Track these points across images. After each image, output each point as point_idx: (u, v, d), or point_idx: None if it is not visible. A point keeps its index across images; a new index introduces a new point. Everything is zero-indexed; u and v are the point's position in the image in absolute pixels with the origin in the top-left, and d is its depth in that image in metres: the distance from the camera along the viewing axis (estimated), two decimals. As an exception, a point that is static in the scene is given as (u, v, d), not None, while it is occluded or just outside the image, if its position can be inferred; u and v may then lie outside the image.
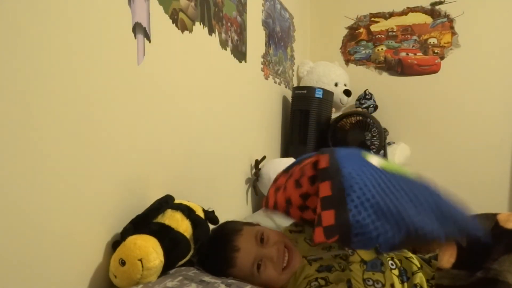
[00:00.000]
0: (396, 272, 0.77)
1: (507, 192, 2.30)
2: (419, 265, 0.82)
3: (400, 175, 0.70)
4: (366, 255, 0.70)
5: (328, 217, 0.66)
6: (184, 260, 0.87)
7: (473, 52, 2.34)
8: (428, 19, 2.44)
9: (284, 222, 1.47)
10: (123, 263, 0.75)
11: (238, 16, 1.53)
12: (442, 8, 2.40)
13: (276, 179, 0.88)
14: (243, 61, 1.59)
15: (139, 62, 0.94)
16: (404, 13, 2.49)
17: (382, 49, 2.54)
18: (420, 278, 0.79)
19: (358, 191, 0.66)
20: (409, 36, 2.48)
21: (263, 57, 1.83)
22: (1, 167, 0.62)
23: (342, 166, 0.69)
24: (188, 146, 1.18)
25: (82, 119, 0.78)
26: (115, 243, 0.83)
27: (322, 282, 0.83)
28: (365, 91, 2.38)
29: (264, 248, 0.87)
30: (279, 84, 2.09)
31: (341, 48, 2.64)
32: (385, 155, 2.12)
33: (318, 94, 2.02)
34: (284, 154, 2.14)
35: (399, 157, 2.35)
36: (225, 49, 1.42)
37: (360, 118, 1.99)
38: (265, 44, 1.86)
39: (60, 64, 0.72)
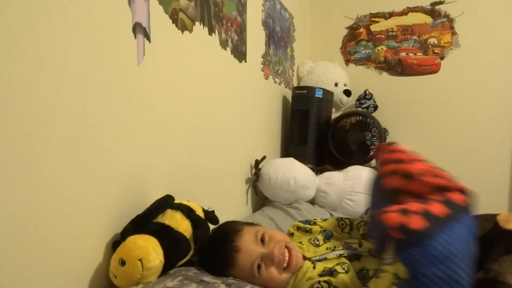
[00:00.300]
0: None
1: (507, 192, 2.30)
2: None
3: None
4: (404, 272, 0.70)
5: (419, 222, 0.66)
6: (184, 260, 0.87)
7: (473, 52, 2.34)
8: (428, 19, 2.44)
9: (285, 222, 1.47)
10: (123, 263, 0.75)
11: (238, 16, 1.53)
12: (442, 8, 2.40)
13: (426, 161, 0.85)
14: (243, 61, 1.59)
15: (139, 62, 0.94)
16: (404, 13, 2.49)
17: (382, 49, 2.54)
18: None
19: (454, 239, 0.66)
20: (409, 36, 2.48)
21: (263, 57, 1.83)
22: (1, 167, 0.62)
23: (466, 215, 0.71)
24: (188, 146, 1.18)
25: (82, 119, 0.78)
26: (115, 243, 0.83)
27: (325, 285, 0.83)
28: (365, 91, 2.38)
29: (265, 248, 0.87)
30: (279, 84, 2.09)
31: (341, 48, 2.64)
32: (385, 155, 2.12)
33: (318, 94, 2.02)
34: (284, 154, 2.14)
35: (399, 157, 2.35)
36: (225, 49, 1.42)
37: (360, 118, 1.99)
38: (265, 44, 1.86)
39: (60, 64, 0.72)
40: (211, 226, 0.95)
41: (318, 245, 0.96)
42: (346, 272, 0.85)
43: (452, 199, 0.71)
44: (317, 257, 0.91)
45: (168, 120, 1.07)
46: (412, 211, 0.69)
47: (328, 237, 0.99)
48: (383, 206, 0.73)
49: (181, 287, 0.73)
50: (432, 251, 0.64)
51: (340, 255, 0.90)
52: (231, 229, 0.91)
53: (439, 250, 0.64)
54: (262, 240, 0.88)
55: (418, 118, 2.47)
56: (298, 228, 1.06)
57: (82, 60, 0.77)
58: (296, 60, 2.39)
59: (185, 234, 0.86)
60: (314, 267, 0.89)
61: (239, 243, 0.86)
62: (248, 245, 0.86)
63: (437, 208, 0.69)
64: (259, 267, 0.85)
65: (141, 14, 0.94)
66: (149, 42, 0.98)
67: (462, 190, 0.74)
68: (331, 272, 0.85)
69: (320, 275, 0.86)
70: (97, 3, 0.81)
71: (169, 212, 0.89)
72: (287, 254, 0.88)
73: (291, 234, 1.06)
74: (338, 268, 0.86)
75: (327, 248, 0.94)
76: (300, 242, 0.99)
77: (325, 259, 0.90)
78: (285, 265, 0.87)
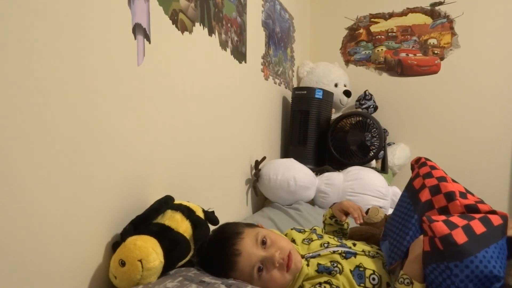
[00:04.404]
0: None
1: (507, 192, 2.31)
2: None
3: None
4: None
5: (461, 236, 0.68)
6: (184, 260, 0.87)
7: (473, 52, 2.34)
8: (428, 20, 2.44)
9: (284, 223, 1.47)
10: (123, 263, 0.75)
11: (238, 17, 1.53)
12: (442, 8, 2.40)
13: (457, 184, 0.87)
14: (243, 62, 1.59)
15: (139, 63, 0.94)
16: (404, 13, 2.49)
17: (382, 49, 2.54)
18: None
19: (495, 261, 0.67)
20: (409, 36, 2.48)
21: (263, 57, 1.83)
22: (1, 167, 0.62)
23: (504, 238, 0.73)
24: (188, 147, 1.18)
25: (82, 119, 0.78)
26: (115, 244, 0.83)
27: (327, 286, 0.83)
28: (365, 92, 2.39)
29: (265, 251, 0.86)
30: (279, 85, 2.09)
31: (341, 49, 2.64)
32: (385, 156, 2.12)
33: (318, 95, 2.02)
34: (284, 154, 2.14)
35: (399, 157, 2.35)
36: (225, 50, 1.42)
37: (360, 118, 1.99)
38: (265, 45, 1.86)
39: (61, 65, 0.72)
40: (211, 227, 0.95)
41: (311, 240, 0.97)
42: (340, 273, 0.85)
43: (491, 220, 0.73)
44: (310, 254, 0.91)
45: (168, 121, 1.07)
46: (456, 224, 0.70)
47: (319, 234, 1.00)
48: (425, 214, 0.75)
49: (181, 287, 0.73)
50: (474, 269, 0.66)
51: (334, 252, 0.90)
52: (232, 232, 0.90)
53: (481, 269, 0.65)
54: (263, 242, 0.88)
55: (418, 118, 2.47)
56: (293, 228, 1.07)
57: (81, 61, 0.77)
58: (296, 60, 2.39)
59: (185, 234, 0.86)
60: (308, 264, 0.89)
61: (240, 246, 0.86)
62: (248, 248, 0.86)
63: (478, 227, 0.71)
64: (259, 270, 0.85)
65: (141, 15, 0.95)
66: (149, 43, 0.98)
67: (496, 213, 0.75)
68: (329, 271, 0.85)
69: (318, 272, 0.86)
70: (97, 3, 0.81)
71: (169, 212, 0.89)
72: (287, 256, 0.87)
73: (285, 234, 1.06)
74: (335, 266, 0.86)
75: (320, 245, 0.94)
76: (294, 241, 0.99)
77: (319, 255, 0.90)
78: (285, 267, 0.87)
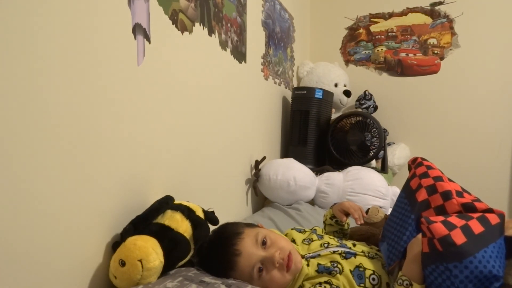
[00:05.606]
0: None
1: (507, 192, 2.31)
2: None
3: None
4: None
5: (460, 237, 0.68)
6: (184, 260, 0.87)
7: (473, 52, 2.34)
8: (427, 20, 2.44)
9: (284, 222, 1.47)
10: (123, 263, 0.75)
11: (238, 17, 1.53)
12: (441, 8, 2.40)
13: (453, 183, 0.87)
14: (243, 62, 1.59)
15: (139, 63, 0.94)
16: (403, 13, 2.49)
17: (382, 49, 2.54)
18: None
19: (494, 260, 0.67)
20: (408, 36, 2.48)
21: (263, 57, 1.83)
22: (1, 167, 0.62)
23: (501, 237, 0.73)
24: (188, 147, 1.18)
25: (82, 119, 0.78)
26: (115, 244, 0.83)
27: (327, 286, 0.83)
28: (365, 92, 2.39)
29: (265, 251, 0.86)
30: (279, 85, 2.09)
31: (341, 49, 2.64)
32: (385, 156, 2.12)
33: (318, 95, 2.02)
34: (284, 154, 2.14)
35: (399, 157, 2.35)
36: (225, 50, 1.42)
37: (360, 118, 1.99)
38: (265, 45, 1.86)
39: (61, 65, 0.72)
40: (211, 227, 0.95)
41: (311, 240, 0.97)
42: (341, 273, 0.85)
43: (489, 219, 0.73)
44: (310, 254, 0.91)
45: (168, 121, 1.07)
46: (454, 224, 0.70)
47: (319, 235, 1.00)
48: (422, 215, 0.75)
49: (181, 287, 0.73)
50: (474, 269, 0.66)
51: (334, 252, 0.90)
52: (232, 232, 0.90)
53: (480, 269, 0.65)
54: (264, 242, 0.88)
55: (418, 118, 2.47)
56: (293, 229, 1.07)
57: (81, 61, 0.77)
58: (296, 60, 2.39)
59: (185, 234, 0.86)
60: (308, 264, 0.89)
61: (240, 246, 0.86)
62: (248, 249, 0.86)
63: (476, 226, 0.70)
64: (259, 270, 0.85)
65: (141, 15, 0.95)
66: (149, 43, 0.98)
67: (492, 211, 0.75)
68: (329, 271, 0.85)
69: (318, 272, 0.86)
70: (97, 3, 0.81)
71: (169, 212, 0.89)
72: (287, 257, 0.88)
73: (285, 234, 1.06)
74: (335, 267, 0.86)
75: (320, 245, 0.94)
76: (294, 241, 0.99)
77: (319, 255, 0.90)
78: (285, 267, 0.87)
